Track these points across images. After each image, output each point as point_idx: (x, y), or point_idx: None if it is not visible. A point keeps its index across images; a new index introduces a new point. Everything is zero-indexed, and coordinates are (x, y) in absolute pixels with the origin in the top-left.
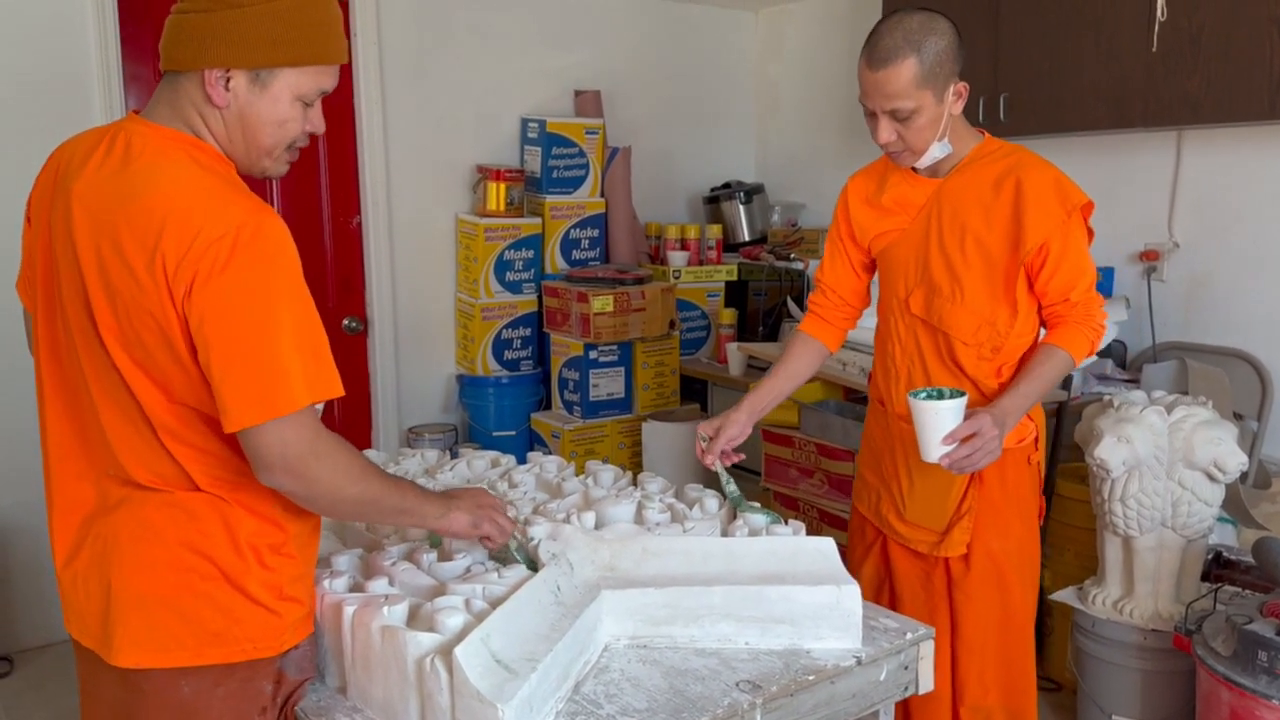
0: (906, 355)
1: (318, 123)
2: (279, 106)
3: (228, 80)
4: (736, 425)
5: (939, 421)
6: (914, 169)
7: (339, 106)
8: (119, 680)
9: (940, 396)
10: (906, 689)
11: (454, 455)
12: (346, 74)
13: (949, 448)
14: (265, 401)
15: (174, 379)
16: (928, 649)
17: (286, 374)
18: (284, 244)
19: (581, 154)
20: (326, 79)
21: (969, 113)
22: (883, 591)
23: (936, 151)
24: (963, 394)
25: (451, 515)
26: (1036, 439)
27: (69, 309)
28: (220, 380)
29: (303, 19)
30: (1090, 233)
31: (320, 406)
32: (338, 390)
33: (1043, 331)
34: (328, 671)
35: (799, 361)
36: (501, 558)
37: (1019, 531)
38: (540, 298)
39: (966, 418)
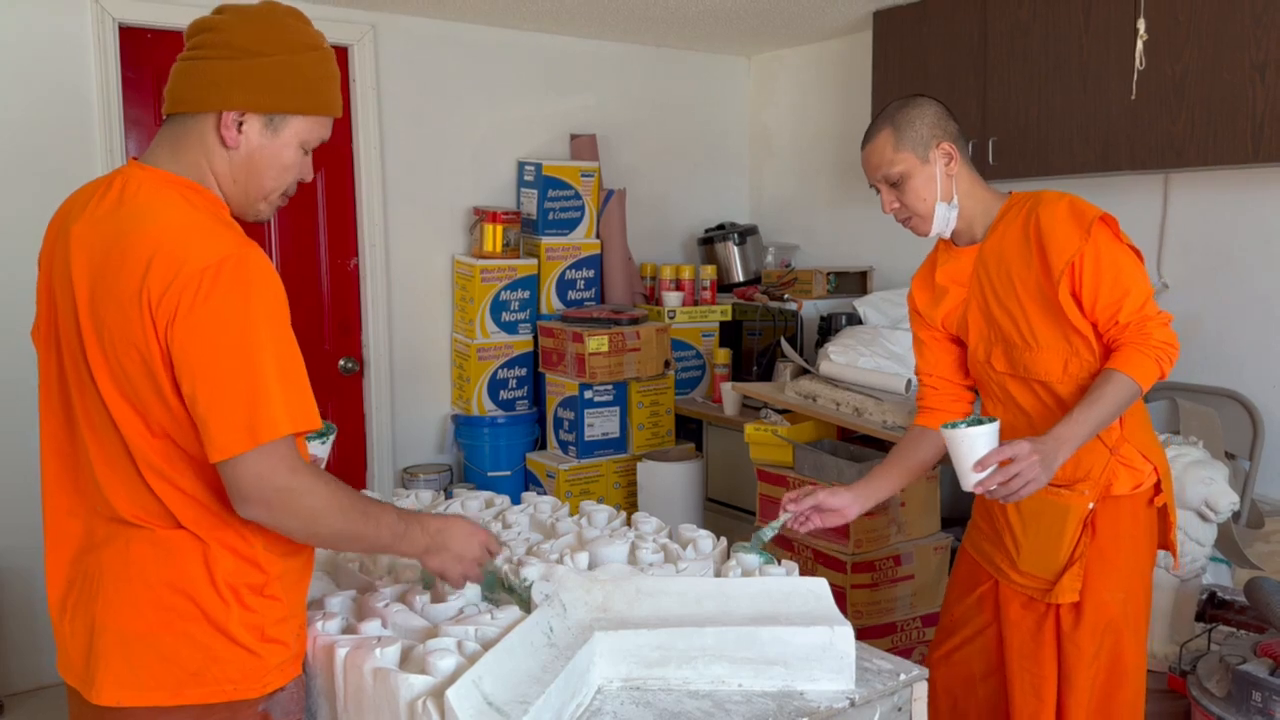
0: (1008, 411)
1: (309, 171)
2: (286, 152)
3: (240, 124)
4: (837, 496)
5: (970, 448)
6: (954, 243)
7: (338, 150)
8: (96, 717)
9: (978, 423)
10: None
11: (448, 495)
12: (346, 118)
13: (982, 475)
14: (249, 430)
15: (155, 411)
16: (921, 690)
17: (269, 402)
18: (267, 277)
19: (577, 196)
20: (326, 130)
21: None
22: (983, 634)
23: (944, 212)
24: (994, 420)
25: (432, 557)
26: (1157, 483)
27: (64, 347)
28: (205, 409)
29: (315, 73)
30: (1135, 251)
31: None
32: (316, 423)
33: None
34: (320, 713)
35: (904, 457)
36: (497, 583)
37: (1131, 581)
38: (536, 338)
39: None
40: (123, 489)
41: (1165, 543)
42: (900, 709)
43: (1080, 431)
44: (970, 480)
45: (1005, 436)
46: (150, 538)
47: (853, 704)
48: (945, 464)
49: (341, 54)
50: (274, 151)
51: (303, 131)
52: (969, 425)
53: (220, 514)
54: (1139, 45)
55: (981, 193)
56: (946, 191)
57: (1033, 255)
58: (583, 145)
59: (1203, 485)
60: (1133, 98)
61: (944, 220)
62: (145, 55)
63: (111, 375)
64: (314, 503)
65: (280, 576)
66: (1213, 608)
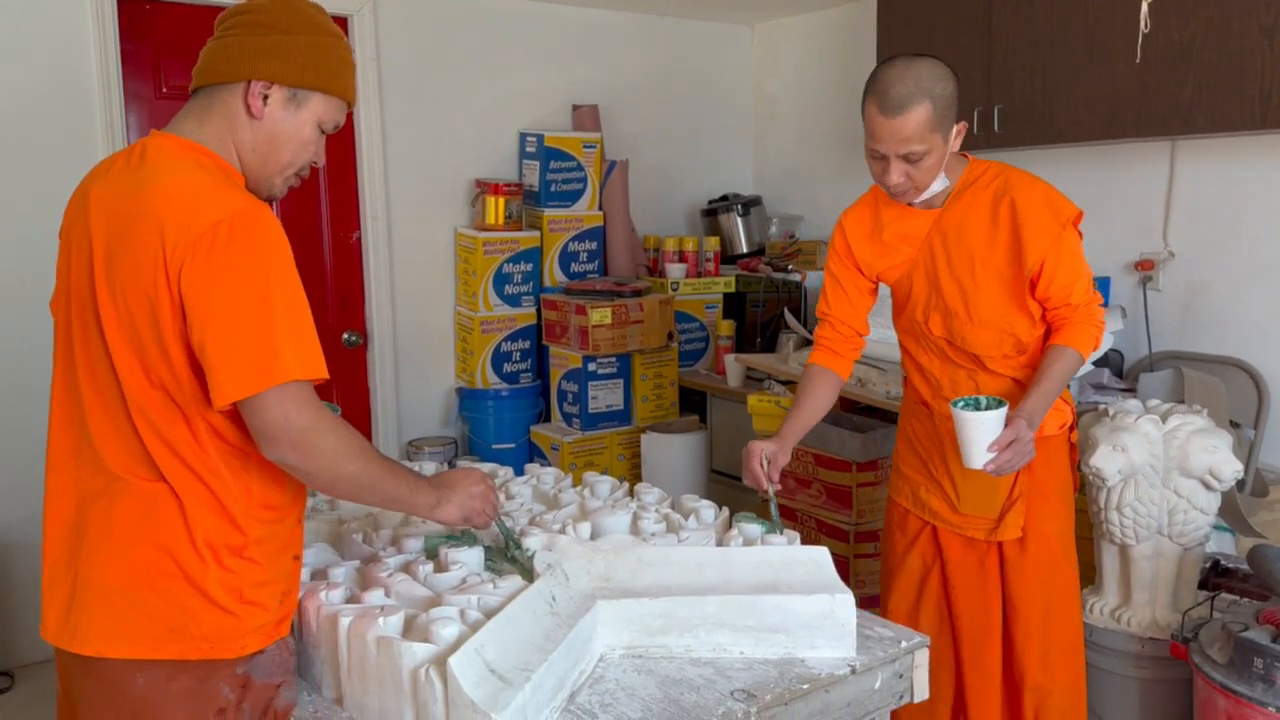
0: (943, 367)
1: (321, 154)
2: (304, 128)
3: (266, 96)
4: (783, 457)
5: (983, 432)
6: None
7: None
8: (81, 669)
9: (978, 405)
10: (901, 698)
11: (453, 468)
12: None
13: (992, 455)
14: (257, 372)
15: (155, 361)
16: (922, 657)
17: (278, 347)
18: (277, 232)
19: (579, 167)
20: (341, 114)
21: None
22: (929, 578)
23: (936, 186)
24: (1003, 403)
25: (443, 508)
26: (1073, 423)
27: (74, 301)
28: (214, 354)
29: (336, 56)
30: (1079, 235)
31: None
32: (324, 372)
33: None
34: (323, 682)
35: (818, 397)
36: (500, 553)
37: (1063, 512)
38: (539, 311)
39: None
40: (114, 439)
41: (1072, 458)
42: (901, 676)
43: (1046, 403)
44: (980, 461)
45: (942, 382)
46: (132, 491)
47: (854, 671)
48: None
49: (341, 24)
50: (295, 126)
51: (321, 111)
52: (966, 405)
53: (203, 472)
54: (1144, 7)
55: (953, 159)
56: (944, 162)
57: (1002, 239)
58: (585, 116)
59: (1206, 454)
60: (1138, 61)
61: (932, 192)
62: (144, 27)
63: (119, 323)
64: (337, 444)
65: (259, 541)
66: (1216, 576)
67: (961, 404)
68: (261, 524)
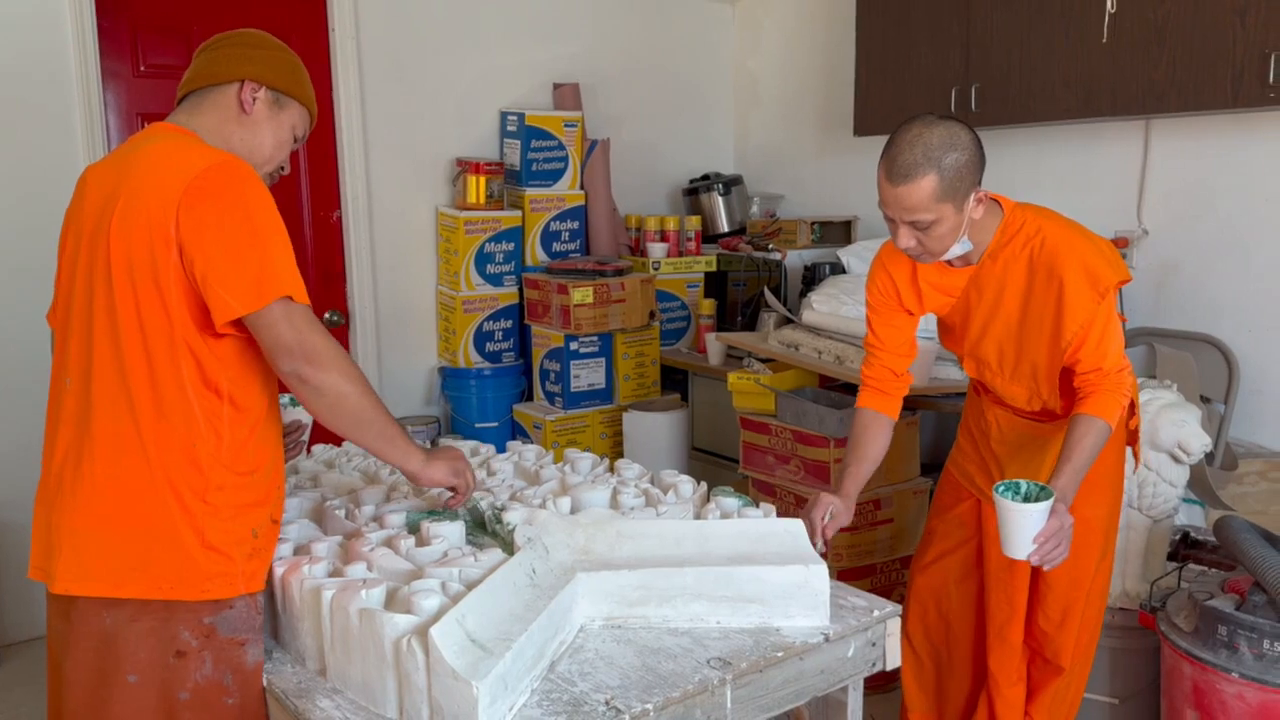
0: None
1: (288, 162)
2: (282, 129)
3: (255, 97)
4: (846, 514)
5: (1029, 523)
6: (949, 264)
7: (318, 99)
8: (59, 610)
9: (1017, 489)
10: (874, 665)
11: (435, 447)
12: (325, 66)
13: (1035, 546)
14: (258, 288)
15: (149, 300)
16: (894, 626)
17: (275, 266)
18: (257, 180)
19: (561, 146)
20: (309, 128)
21: (940, 105)
22: (964, 547)
23: (957, 249)
24: (1048, 491)
25: (433, 464)
26: (1131, 404)
27: (80, 260)
28: (215, 278)
29: (306, 76)
30: (1117, 296)
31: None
32: (307, 300)
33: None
34: (308, 655)
35: (871, 445)
36: (480, 527)
37: (1109, 499)
38: (521, 290)
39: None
40: (98, 369)
41: (1131, 441)
42: (874, 644)
43: (1078, 480)
44: (1024, 552)
45: (980, 384)
46: (104, 431)
47: (827, 639)
48: (923, 408)
49: (320, 1)
50: (276, 125)
51: (295, 117)
52: (1006, 489)
53: (172, 412)
54: None
55: (984, 219)
56: (963, 228)
57: (1038, 305)
58: (566, 94)
59: (1175, 428)
60: (1103, 40)
61: (953, 254)
62: (122, 4)
63: (120, 271)
64: (345, 367)
65: (221, 488)
66: (1186, 548)
67: (1003, 489)
68: (227, 470)
